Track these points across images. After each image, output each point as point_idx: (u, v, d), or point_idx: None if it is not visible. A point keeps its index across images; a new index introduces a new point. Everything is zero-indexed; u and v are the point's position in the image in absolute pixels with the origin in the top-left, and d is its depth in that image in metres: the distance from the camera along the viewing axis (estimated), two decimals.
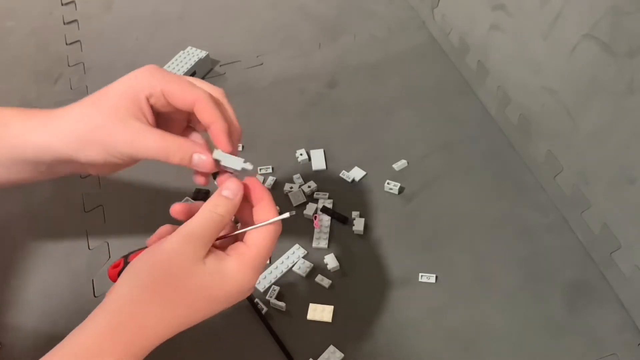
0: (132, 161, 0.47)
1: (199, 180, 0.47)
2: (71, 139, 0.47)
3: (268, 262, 0.62)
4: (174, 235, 0.42)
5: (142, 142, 0.46)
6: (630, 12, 0.50)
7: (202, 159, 0.46)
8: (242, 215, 0.46)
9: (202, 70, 0.82)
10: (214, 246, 0.44)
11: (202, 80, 0.49)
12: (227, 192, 0.44)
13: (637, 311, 0.57)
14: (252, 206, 0.45)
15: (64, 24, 0.92)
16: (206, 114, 0.46)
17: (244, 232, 0.44)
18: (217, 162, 0.45)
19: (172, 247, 0.42)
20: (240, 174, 0.46)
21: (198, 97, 0.46)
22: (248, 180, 0.45)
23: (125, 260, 0.45)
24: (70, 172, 0.51)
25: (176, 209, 0.46)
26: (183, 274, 0.41)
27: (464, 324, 0.58)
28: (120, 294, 0.41)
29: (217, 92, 0.49)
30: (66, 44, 0.88)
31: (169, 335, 0.42)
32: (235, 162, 0.45)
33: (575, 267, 0.61)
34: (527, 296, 0.59)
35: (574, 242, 0.63)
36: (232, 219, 0.45)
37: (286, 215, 0.45)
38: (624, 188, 0.55)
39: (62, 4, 0.95)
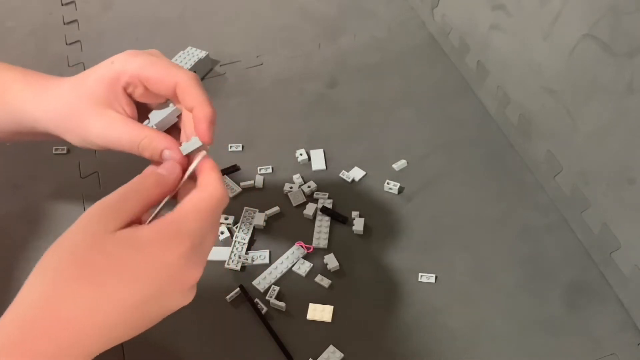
0: (109, 149, 0.46)
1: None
2: (56, 121, 0.47)
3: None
4: (85, 211, 0.38)
5: (112, 134, 0.45)
6: (630, 12, 0.50)
7: (172, 156, 0.44)
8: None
9: (202, 70, 0.82)
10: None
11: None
12: (162, 169, 0.42)
13: (637, 311, 0.57)
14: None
15: (64, 24, 0.92)
16: (189, 97, 0.44)
17: None
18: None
19: (79, 224, 0.37)
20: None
21: (180, 79, 0.43)
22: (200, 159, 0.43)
23: None
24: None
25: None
26: (91, 249, 0.36)
27: (464, 324, 0.58)
28: (29, 290, 0.35)
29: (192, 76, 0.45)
30: (66, 44, 0.88)
31: (106, 327, 0.35)
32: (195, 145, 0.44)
33: (575, 267, 0.61)
34: (527, 296, 0.59)
35: (573, 242, 0.63)
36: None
37: (198, 158, 0.42)
38: (624, 188, 0.55)
39: (62, 4, 0.95)
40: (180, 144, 0.44)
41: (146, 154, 0.45)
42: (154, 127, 0.47)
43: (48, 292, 0.35)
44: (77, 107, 0.46)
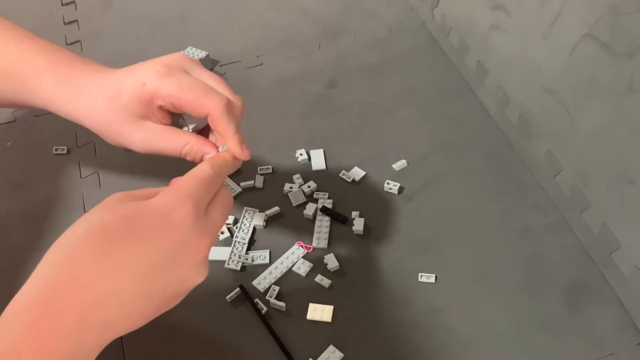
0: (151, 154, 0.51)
1: None
2: (95, 125, 0.51)
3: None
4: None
5: (154, 144, 0.49)
6: (630, 12, 0.50)
7: None
8: None
9: None
10: None
11: (222, 82, 0.50)
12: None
13: (636, 311, 0.57)
14: None
15: (64, 24, 0.92)
16: (219, 127, 0.48)
17: None
18: None
19: (98, 205, 0.40)
20: None
21: (211, 109, 0.47)
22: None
23: None
24: None
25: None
26: (106, 216, 0.38)
27: (464, 324, 0.58)
28: (52, 257, 0.38)
29: (238, 101, 0.50)
30: (66, 44, 0.88)
31: (122, 292, 0.37)
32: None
33: (575, 267, 0.61)
34: (527, 296, 0.59)
35: (573, 242, 0.63)
36: None
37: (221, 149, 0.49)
38: (624, 188, 0.55)
39: (62, 4, 0.95)
40: (217, 149, 0.49)
41: (189, 158, 0.50)
42: (191, 129, 0.51)
43: (68, 256, 0.37)
44: (116, 120, 0.49)
